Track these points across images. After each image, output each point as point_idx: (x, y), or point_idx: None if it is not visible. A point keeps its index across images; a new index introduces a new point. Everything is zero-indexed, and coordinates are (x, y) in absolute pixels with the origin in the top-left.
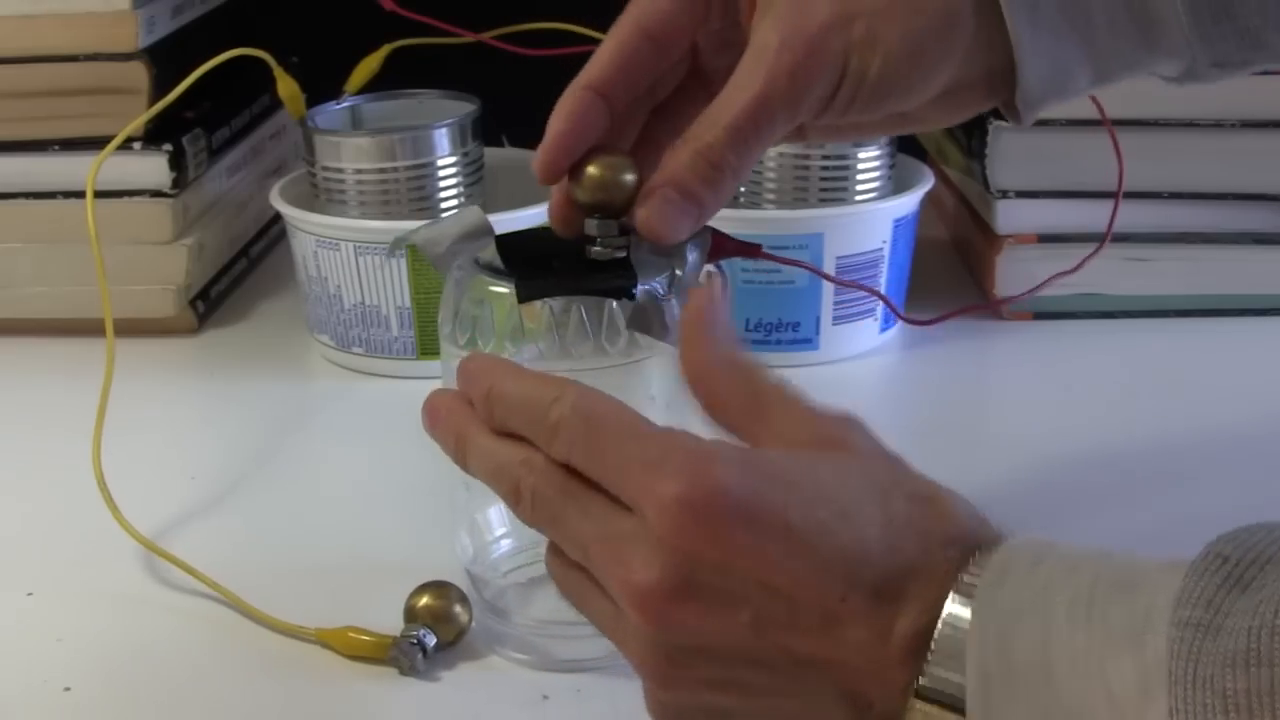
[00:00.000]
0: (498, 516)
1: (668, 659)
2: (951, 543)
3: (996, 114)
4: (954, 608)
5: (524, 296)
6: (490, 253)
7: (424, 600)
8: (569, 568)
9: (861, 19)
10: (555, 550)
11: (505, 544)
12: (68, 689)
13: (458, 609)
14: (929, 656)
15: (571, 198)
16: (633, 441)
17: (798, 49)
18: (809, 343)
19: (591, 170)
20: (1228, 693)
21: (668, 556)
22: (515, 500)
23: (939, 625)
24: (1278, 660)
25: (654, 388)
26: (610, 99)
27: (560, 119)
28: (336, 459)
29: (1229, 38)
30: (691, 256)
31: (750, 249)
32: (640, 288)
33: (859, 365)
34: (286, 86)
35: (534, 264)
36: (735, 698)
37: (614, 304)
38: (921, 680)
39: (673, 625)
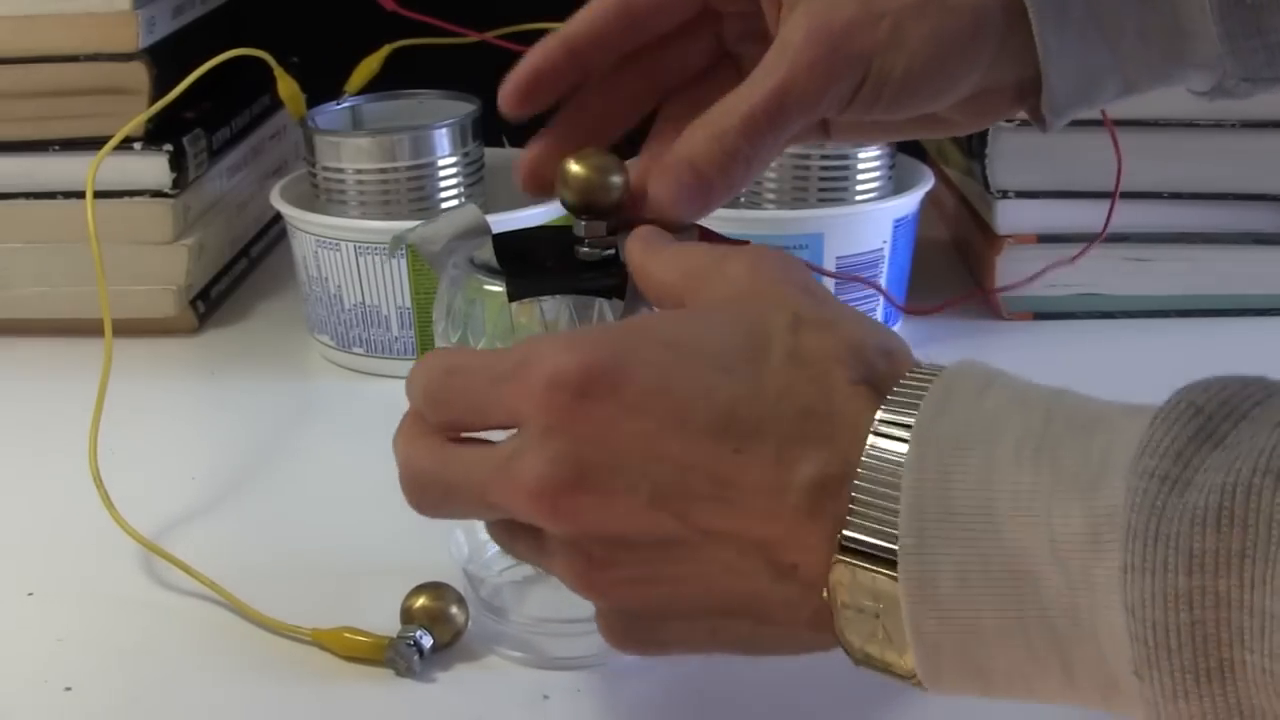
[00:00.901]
0: None
1: (588, 560)
2: (858, 379)
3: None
4: (879, 444)
5: (514, 295)
6: (486, 251)
7: (420, 601)
8: (498, 527)
9: (889, 17)
10: (493, 523)
11: None
12: (68, 689)
13: (454, 610)
14: (851, 505)
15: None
16: (495, 361)
17: (821, 44)
18: None
19: (579, 171)
20: (1194, 552)
21: (550, 447)
22: (407, 496)
23: (860, 468)
24: (1251, 521)
25: None
26: (582, 58)
27: (528, 59)
28: (336, 459)
29: (1259, 52)
30: None
31: (740, 246)
32: (630, 287)
33: None
34: (286, 86)
35: (528, 263)
36: (666, 587)
37: (604, 303)
38: (845, 533)
39: (577, 518)
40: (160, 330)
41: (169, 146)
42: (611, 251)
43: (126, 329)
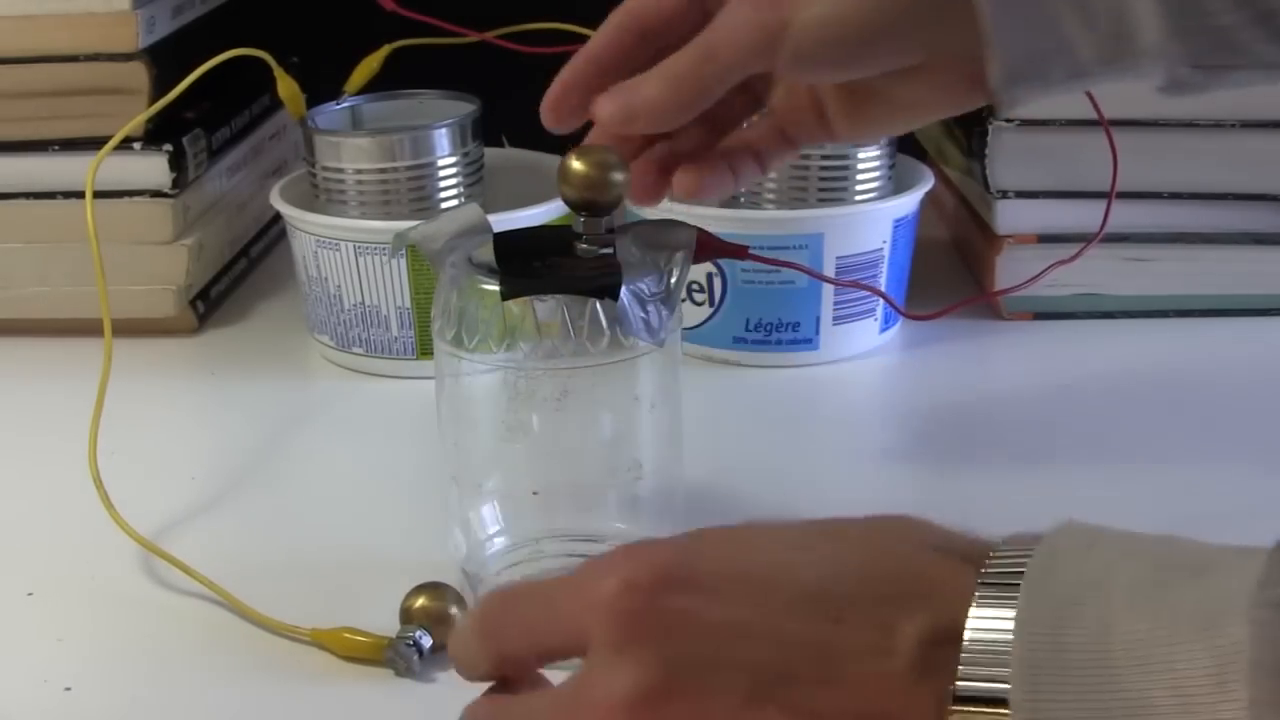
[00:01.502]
0: (490, 515)
1: None
2: (941, 546)
3: (996, 114)
4: (985, 606)
5: (507, 294)
6: (486, 250)
7: (420, 601)
8: None
9: None
10: None
11: (498, 542)
12: (68, 689)
13: (454, 610)
14: (961, 658)
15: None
16: (551, 584)
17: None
18: (809, 343)
19: (580, 167)
20: None
21: (630, 656)
22: None
23: (968, 626)
24: None
25: (639, 388)
26: (606, 69)
27: (559, 77)
28: (336, 459)
29: (1202, 34)
30: (679, 256)
31: (737, 250)
32: (626, 287)
33: (859, 365)
34: (286, 87)
35: (526, 262)
36: None
37: (598, 303)
38: (958, 684)
39: None
40: (160, 330)
41: (169, 146)
42: (609, 250)
43: (126, 329)
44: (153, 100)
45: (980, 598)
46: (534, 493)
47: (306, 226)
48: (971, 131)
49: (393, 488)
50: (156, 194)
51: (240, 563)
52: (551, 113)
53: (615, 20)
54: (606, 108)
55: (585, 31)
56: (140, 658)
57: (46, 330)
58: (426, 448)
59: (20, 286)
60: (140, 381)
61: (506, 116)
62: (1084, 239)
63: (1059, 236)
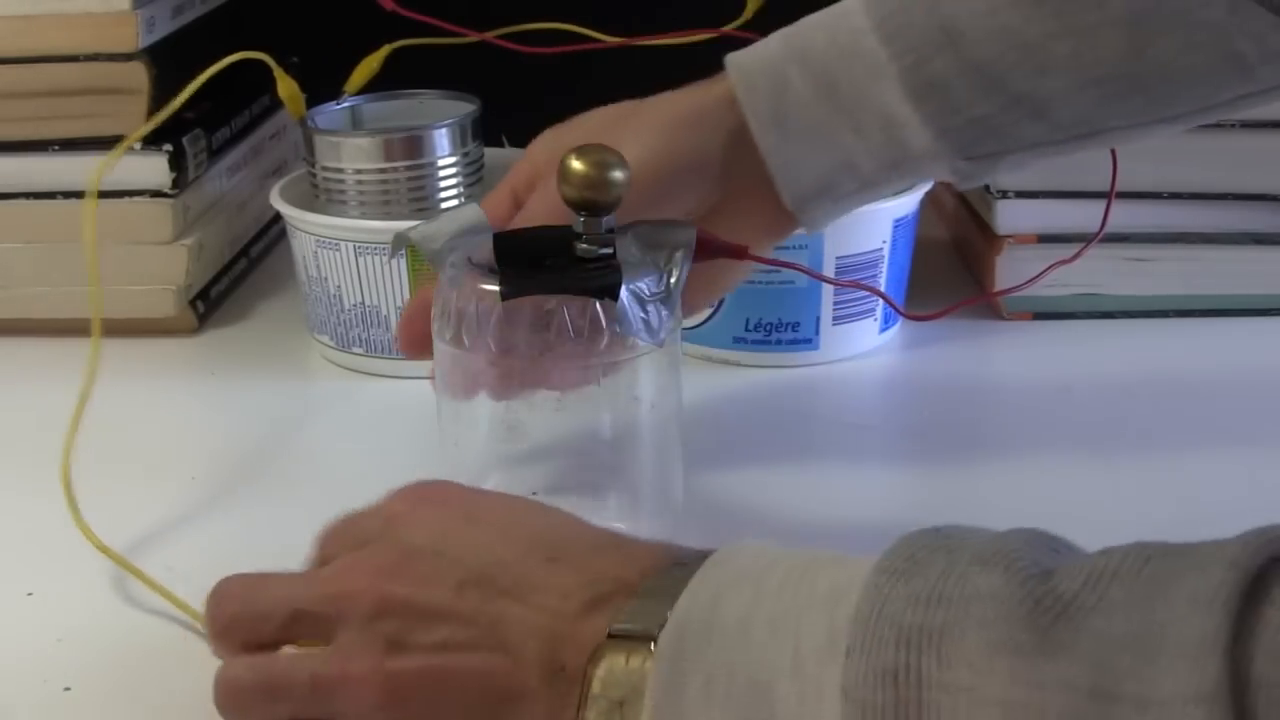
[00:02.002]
0: None
1: (382, 644)
2: (650, 555)
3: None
4: (664, 580)
5: (507, 294)
6: (486, 250)
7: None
8: (240, 663)
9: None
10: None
11: None
12: (68, 689)
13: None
14: (628, 606)
15: (561, 196)
16: (331, 533)
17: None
18: (809, 343)
19: (580, 167)
20: (904, 627)
21: (391, 537)
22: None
23: (639, 589)
24: (956, 601)
25: (639, 389)
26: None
27: (408, 306)
28: (336, 459)
29: (965, 129)
30: (679, 256)
31: (737, 249)
32: (626, 287)
33: (859, 365)
34: (286, 87)
35: (526, 262)
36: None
37: (598, 303)
38: (614, 625)
39: (389, 603)
40: (160, 330)
41: (169, 146)
42: (609, 250)
43: (127, 329)
44: (153, 100)
45: (665, 568)
46: (533, 493)
47: (306, 226)
48: None
49: (393, 488)
50: (156, 194)
51: (240, 562)
52: (406, 347)
53: None
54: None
55: (585, 32)
56: (140, 658)
57: (46, 330)
58: (426, 448)
59: (20, 286)
60: (140, 382)
61: (506, 116)
62: (1084, 239)
63: (1059, 236)
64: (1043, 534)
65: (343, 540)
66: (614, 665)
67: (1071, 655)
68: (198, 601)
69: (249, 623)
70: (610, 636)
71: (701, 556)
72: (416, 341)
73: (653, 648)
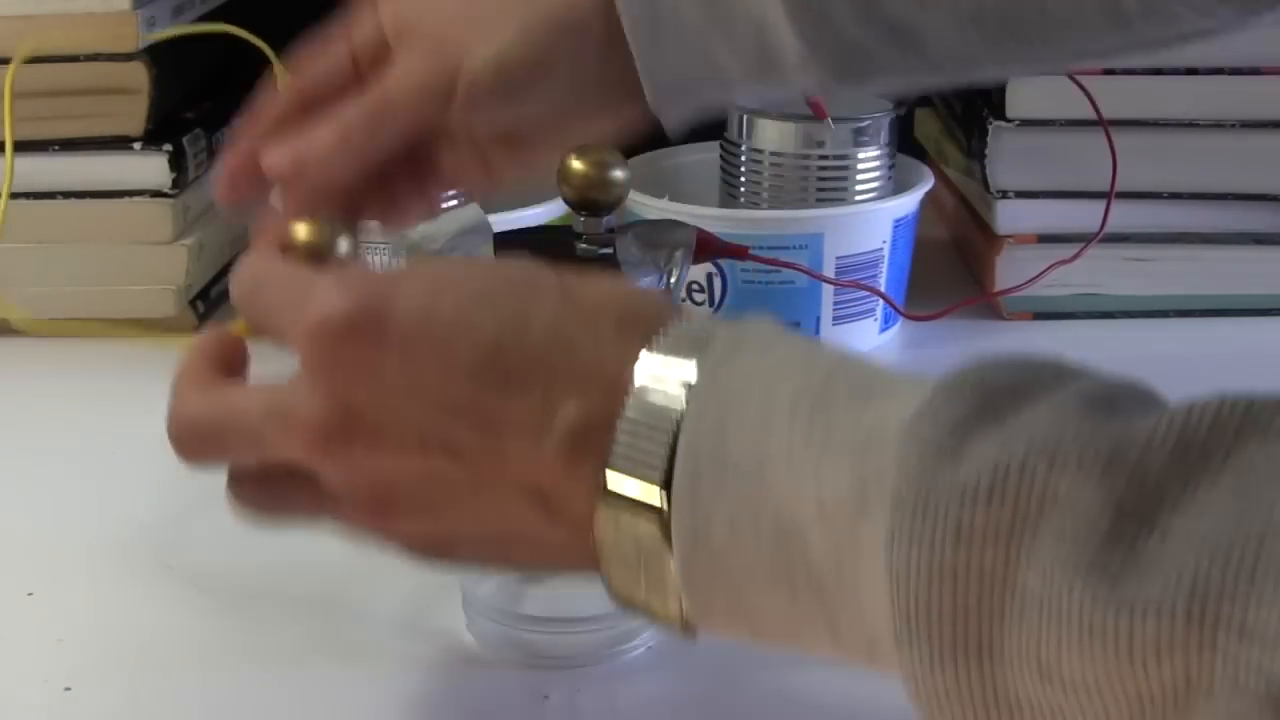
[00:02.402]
0: None
1: (369, 504)
2: (627, 321)
3: (996, 114)
4: (648, 392)
5: None
6: (486, 250)
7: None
8: (246, 483)
9: (479, 20)
10: (235, 478)
11: None
12: (68, 689)
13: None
14: (613, 451)
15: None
16: (291, 287)
17: (418, 47)
18: None
19: (580, 167)
20: (962, 526)
21: (319, 393)
22: (175, 445)
23: (625, 414)
24: (1021, 499)
25: None
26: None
27: (226, 163)
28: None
29: (837, 50)
30: (679, 256)
31: (737, 250)
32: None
33: None
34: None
35: None
36: (448, 523)
37: None
38: (608, 481)
39: (351, 464)
40: (160, 330)
41: (169, 146)
42: (609, 250)
43: (126, 329)
44: (153, 100)
45: (642, 381)
46: None
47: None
48: (971, 131)
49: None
50: (156, 194)
51: (240, 561)
52: (228, 192)
53: (274, 100)
54: (274, 156)
55: None
56: (140, 658)
57: (46, 330)
58: None
59: (20, 286)
60: (140, 381)
61: None
62: (1084, 239)
63: (1059, 236)
64: (1102, 387)
65: (268, 329)
66: (622, 524)
67: (1162, 570)
68: (198, 601)
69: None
70: (607, 495)
71: (675, 348)
72: (239, 188)
73: (662, 501)
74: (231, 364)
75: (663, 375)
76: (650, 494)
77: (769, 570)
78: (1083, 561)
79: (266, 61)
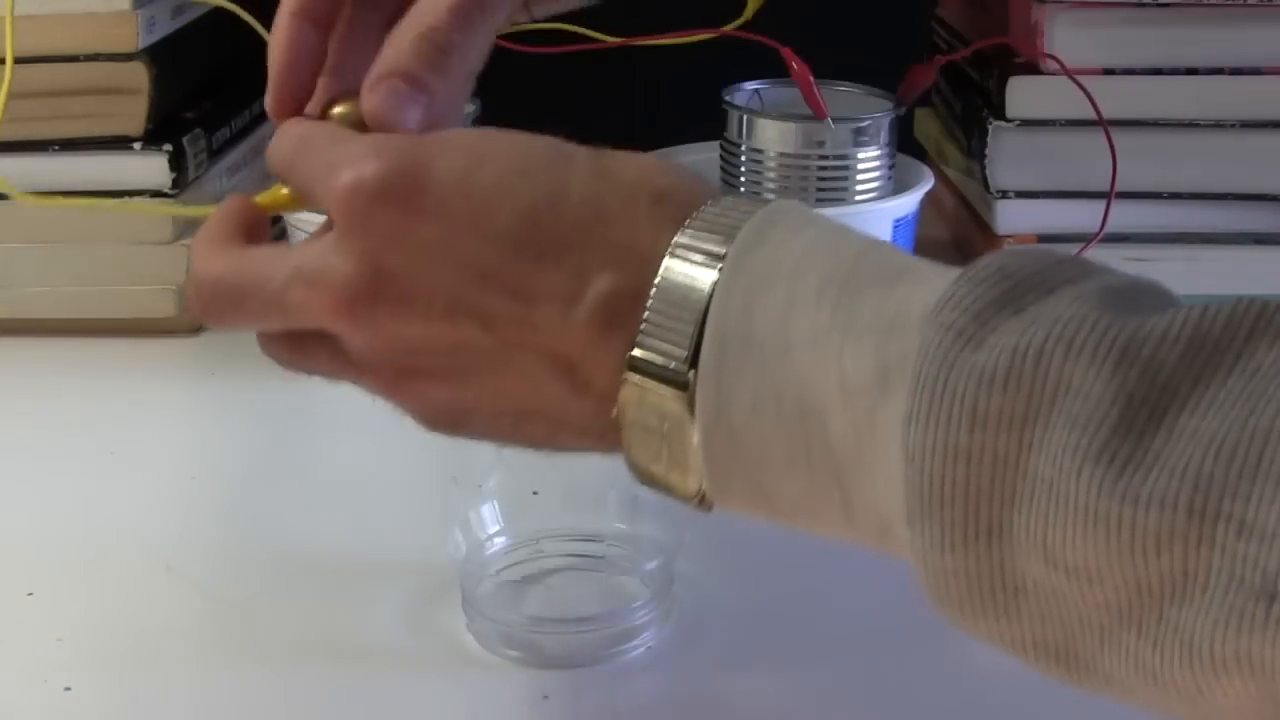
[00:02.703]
0: (490, 515)
1: (391, 369)
2: (662, 198)
3: (996, 114)
4: (677, 266)
5: None
6: None
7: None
8: (279, 341)
9: None
10: (268, 338)
11: (498, 542)
12: (68, 689)
13: None
14: (643, 324)
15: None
16: (330, 148)
17: None
18: None
19: None
20: (978, 409)
21: (349, 255)
22: (196, 306)
23: (655, 288)
24: (1037, 386)
25: None
26: (323, 22)
27: (281, 52)
28: (336, 459)
29: None
30: None
31: None
32: None
33: None
34: None
35: None
36: (470, 391)
37: None
38: (635, 352)
39: (377, 327)
40: (160, 330)
41: (169, 146)
42: None
43: (126, 329)
44: (153, 100)
45: (673, 256)
46: (534, 493)
47: (306, 226)
48: (971, 131)
49: (393, 488)
50: (156, 194)
51: (239, 562)
52: (281, 101)
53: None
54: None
55: (585, 32)
56: (140, 658)
57: (46, 330)
58: (426, 448)
59: (20, 286)
60: (140, 381)
61: (506, 116)
62: (1084, 239)
63: (1059, 236)
64: (1124, 283)
65: (306, 191)
66: (646, 395)
67: (1167, 464)
68: (198, 601)
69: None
70: (634, 367)
71: (707, 227)
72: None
73: (689, 373)
74: (254, 231)
75: (694, 254)
76: (676, 367)
77: (788, 449)
78: (1091, 450)
79: (266, 62)
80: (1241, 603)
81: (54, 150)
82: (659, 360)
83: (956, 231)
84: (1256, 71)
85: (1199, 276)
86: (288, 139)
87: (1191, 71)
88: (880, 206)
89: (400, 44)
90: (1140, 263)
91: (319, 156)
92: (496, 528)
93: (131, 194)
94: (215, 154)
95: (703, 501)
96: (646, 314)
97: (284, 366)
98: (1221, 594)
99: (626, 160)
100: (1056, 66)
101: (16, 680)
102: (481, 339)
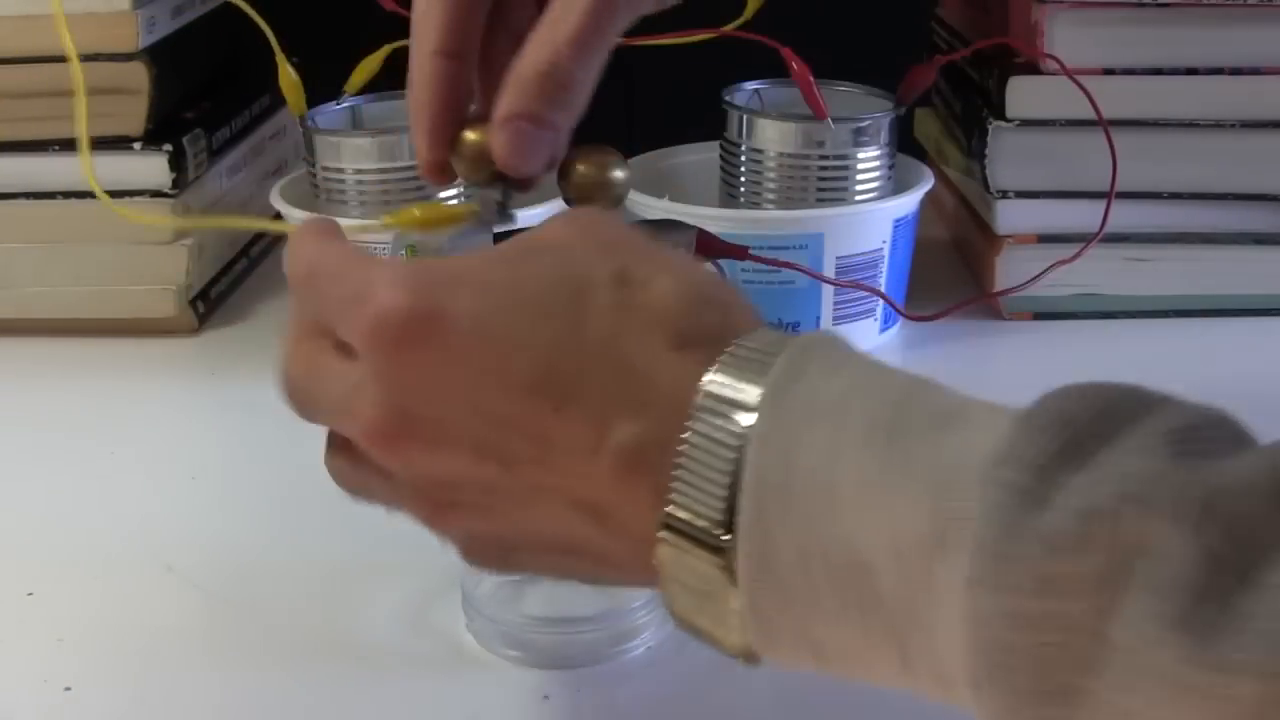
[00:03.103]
0: None
1: (430, 499)
2: (685, 341)
3: (996, 114)
4: (708, 416)
5: None
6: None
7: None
8: (341, 457)
9: None
10: (330, 449)
11: None
12: (68, 689)
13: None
14: (675, 478)
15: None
16: (345, 275)
17: None
18: None
19: (580, 168)
20: (1047, 576)
21: (378, 391)
22: (284, 397)
23: (687, 437)
24: (1112, 551)
25: None
26: (465, 56)
27: (429, 92)
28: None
29: None
30: None
31: (737, 250)
32: None
33: None
34: (287, 77)
35: None
36: (506, 526)
37: None
38: (669, 509)
39: (410, 462)
40: (160, 330)
41: (169, 146)
42: None
43: (126, 329)
44: (153, 100)
45: (705, 403)
46: None
47: None
48: (971, 131)
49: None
50: (156, 194)
51: (240, 562)
52: (434, 168)
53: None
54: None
55: None
56: (140, 658)
57: (47, 330)
58: None
59: (20, 286)
60: (140, 381)
61: None
62: (1084, 239)
63: (1059, 236)
64: (1189, 420)
65: (325, 320)
66: (682, 555)
67: (1258, 630)
68: (198, 601)
69: None
70: (669, 525)
71: (738, 367)
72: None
73: (725, 537)
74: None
75: (725, 397)
76: (712, 530)
77: (838, 603)
78: (1176, 616)
79: (266, 62)
80: None
81: (54, 150)
82: (693, 521)
83: (956, 231)
84: (1256, 71)
85: (1199, 276)
86: (303, 262)
87: (1191, 71)
88: (880, 206)
89: (524, 82)
90: (1140, 262)
91: (338, 285)
92: None
93: (132, 194)
94: (215, 154)
95: (749, 656)
96: (678, 470)
97: (347, 490)
98: None
99: (653, 282)
100: (1056, 66)
101: (16, 680)
102: (507, 479)
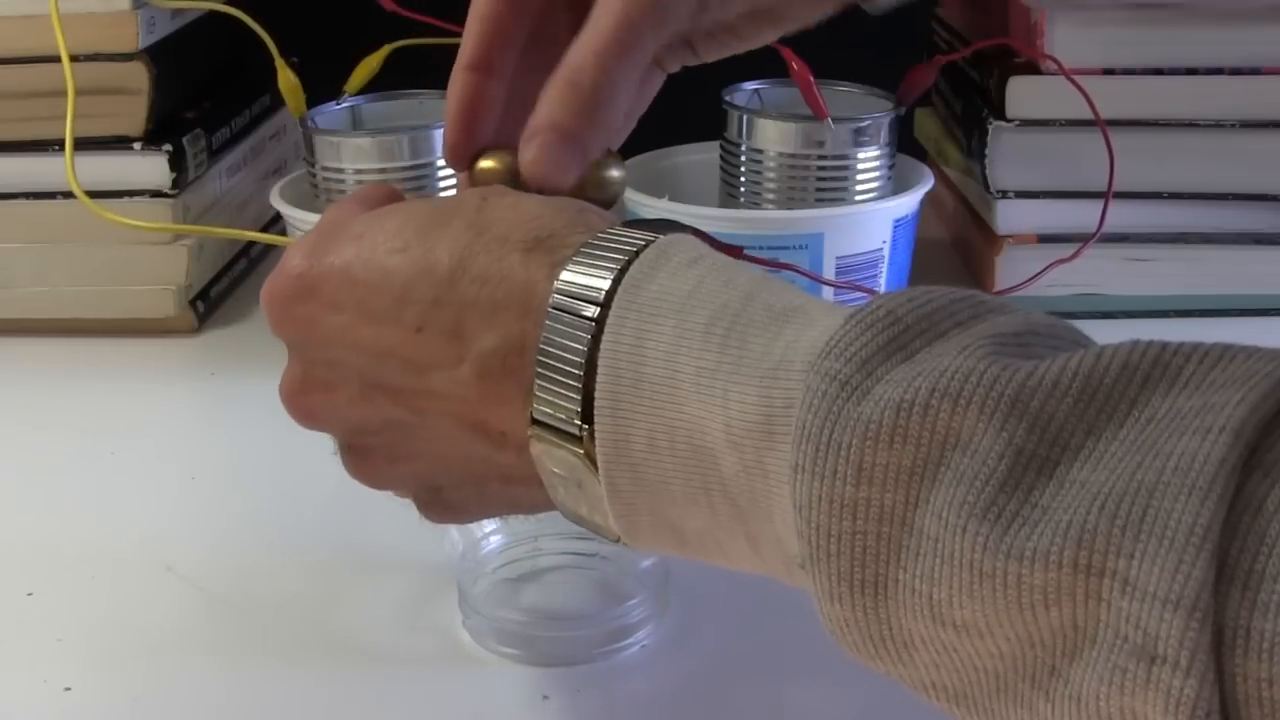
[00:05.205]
0: None
1: (350, 451)
2: (536, 244)
3: (996, 114)
4: (565, 309)
5: None
6: None
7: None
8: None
9: None
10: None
11: (495, 540)
12: (68, 689)
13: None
14: (537, 378)
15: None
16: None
17: None
18: None
19: None
20: (863, 464)
21: (290, 356)
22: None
23: (543, 337)
24: (924, 441)
25: None
26: (495, 71)
27: (454, 104)
28: (334, 459)
29: None
30: None
31: (733, 251)
32: None
33: None
34: (286, 79)
35: None
36: (420, 463)
37: None
38: (533, 406)
39: (315, 416)
40: (160, 330)
41: (169, 146)
42: None
43: (126, 329)
44: (153, 100)
45: (559, 296)
46: None
47: (306, 226)
48: (971, 131)
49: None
50: (156, 194)
51: (239, 562)
52: (461, 143)
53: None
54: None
55: None
56: (140, 658)
57: (47, 330)
58: None
59: (20, 286)
60: (140, 381)
61: None
62: (1084, 239)
63: (1059, 236)
64: (1017, 326)
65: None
66: (551, 449)
67: (1053, 521)
68: (198, 601)
69: None
70: (535, 422)
71: (589, 265)
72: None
73: (583, 427)
74: None
75: (576, 294)
76: (572, 421)
77: (687, 486)
78: (978, 506)
79: (266, 62)
80: (1124, 661)
81: (54, 150)
82: (554, 414)
83: (956, 232)
84: (1256, 71)
85: (1199, 276)
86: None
87: (1191, 71)
88: (880, 206)
89: (552, 95)
90: (1140, 262)
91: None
92: (493, 526)
93: (132, 194)
94: (215, 154)
95: (621, 539)
96: (537, 368)
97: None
98: (1107, 651)
99: (505, 207)
100: (1056, 67)
101: (16, 680)
102: (399, 411)
